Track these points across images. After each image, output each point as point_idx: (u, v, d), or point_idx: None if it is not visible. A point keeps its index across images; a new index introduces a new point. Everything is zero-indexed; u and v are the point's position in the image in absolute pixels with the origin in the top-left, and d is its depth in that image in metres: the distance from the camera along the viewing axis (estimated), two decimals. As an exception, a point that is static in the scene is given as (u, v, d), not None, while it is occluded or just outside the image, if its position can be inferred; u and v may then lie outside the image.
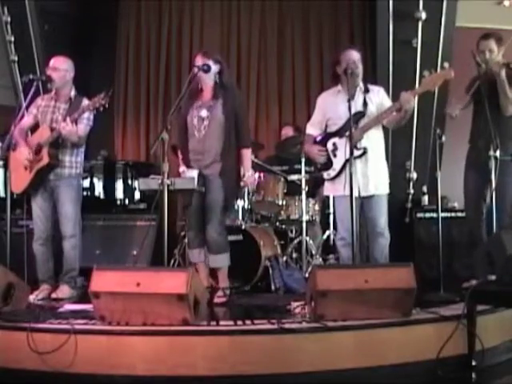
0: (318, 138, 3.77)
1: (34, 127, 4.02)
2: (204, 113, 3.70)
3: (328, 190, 3.80)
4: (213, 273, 3.86)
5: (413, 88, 3.63)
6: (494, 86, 3.68)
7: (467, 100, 3.83)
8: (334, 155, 3.68)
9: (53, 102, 3.97)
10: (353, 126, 3.48)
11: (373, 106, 3.62)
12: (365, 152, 3.56)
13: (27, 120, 3.98)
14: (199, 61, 3.67)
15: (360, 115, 3.58)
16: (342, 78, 3.63)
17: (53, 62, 3.93)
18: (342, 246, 3.65)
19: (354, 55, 3.60)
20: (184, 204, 3.94)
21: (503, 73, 3.59)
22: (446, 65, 3.41)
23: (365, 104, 3.60)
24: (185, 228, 4.62)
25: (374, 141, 3.63)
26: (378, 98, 3.66)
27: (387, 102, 3.66)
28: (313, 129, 3.84)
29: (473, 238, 3.99)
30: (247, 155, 3.78)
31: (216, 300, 3.62)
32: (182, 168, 3.77)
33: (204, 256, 3.80)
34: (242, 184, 3.79)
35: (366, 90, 3.65)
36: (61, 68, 3.91)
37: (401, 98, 3.46)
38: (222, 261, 3.76)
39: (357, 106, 3.59)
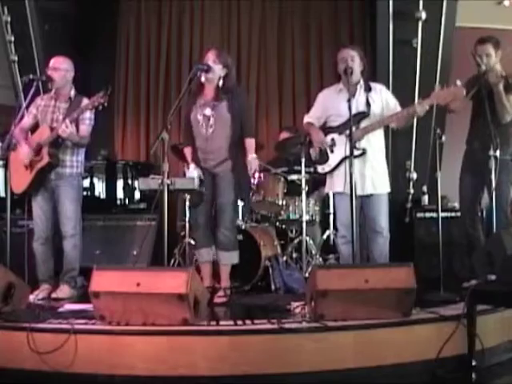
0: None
1: (34, 127, 4.02)
2: (208, 111, 3.69)
3: (327, 186, 3.82)
4: (213, 273, 3.86)
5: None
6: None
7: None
8: (332, 151, 3.69)
9: (53, 101, 3.97)
10: (354, 125, 3.49)
11: (376, 106, 3.62)
12: (364, 153, 3.56)
13: (27, 120, 3.97)
14: (210, 58, 3.67)
15: (362, 115, 3.58)
16: (342, 77, 3.63)
17: (53, 62, 3.93)
18: (343, 244, 3.66)
19: (345, 53, 3.61)
20: (192, 203, 3.94)
21: (501, 85, 3.61)
22: (459, 82, 3.39)
23: (368, 104, 3.60)
24: (185, 227, 4.64)
25: (374, 140, 3.63)
26: (381, 97, 3.65)
27: (391, 100, 3.66)
28: (310, 121, 3.84)
29: (469, 238, 4.01)
30: (250, 143, 3.75)
31: (216, 300, 3.62)
32: (191, 166, 3.76)
33: (211, 255, 3.81)
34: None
35: (368, 89, 3.65)
36: (61, 68, 3.91)
37: (416, 106, 3.46)
38: (234, 258, 3.77)
39: (359, 105, 3.59)
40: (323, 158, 3.72)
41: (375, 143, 3.64)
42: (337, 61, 3.64)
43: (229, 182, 3.68)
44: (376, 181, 3.60)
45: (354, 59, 3.59)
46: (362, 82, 3.65)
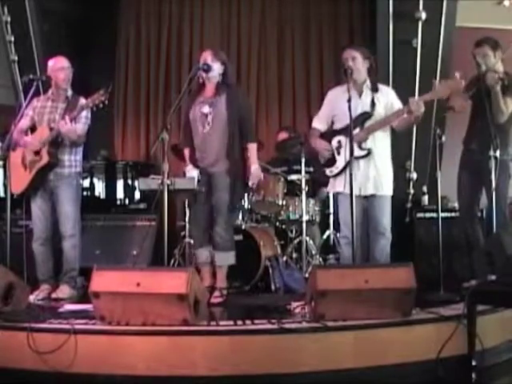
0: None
1: (32, 129, 4.02)
2: (206, 109, 3.69)
3: (330, 186, 3.81)
4: (213, 273, 3.85)
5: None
6: None
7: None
8: (338, 153, 3.68)
9: (49, 102, 3.96)
10: (358, 126, 3.50)
11: (381, 107, 3.61)
12: (369, 153, 3.55)
13: (24, 122, 3.95)
14: (208, 58, 3.67)
15: (366, 116, 3.58)
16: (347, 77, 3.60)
17: (55, 62, 3.91)
18: (345, 244, 3.64)
19: (348, 53, 3.61)
20: (188, 203, 3.95)
21: (498, 86, 3.61)
22: (457, 75, 3.39)
23: (372, 104, 3.59)
24: (186, 227, 4.64)
25: (379, 142, 3.62)
26: (387, 99, 3.64)
27: (397, 104, 3.64)
28: (319, 123, 3.83)
29: (468, 239, 4.01)
30: (253, 149, 3.76)
31: (212, 300, 3.59)
32: (189, 167, 3.77)
33: (209, 256, 3.80)
34: (249, 180, 3.76)
35: (375, 90, 3.64)
36: (68, 67, 3.93)
37: (410, 104, 3.43)
38: (229, 258, 3.76)
39: (364, 105, 3.59)
40: (330, 161, 3.72)
41: (381, 146, 3.63)
42: (342, 61, 3.63)
43: (224, 182, 3.67)
44: (378, 182, 3.60)
45: (355, 59, 3.58)
46: (368, 81, 3.65)
